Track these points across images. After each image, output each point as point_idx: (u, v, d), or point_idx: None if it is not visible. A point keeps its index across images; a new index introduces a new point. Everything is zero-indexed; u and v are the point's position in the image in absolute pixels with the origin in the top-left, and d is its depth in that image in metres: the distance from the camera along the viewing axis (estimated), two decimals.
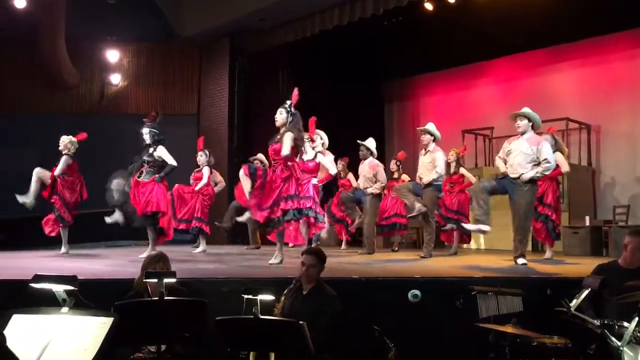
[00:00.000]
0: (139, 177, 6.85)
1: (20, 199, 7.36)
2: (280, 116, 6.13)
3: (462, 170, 8.42)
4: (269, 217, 5.93)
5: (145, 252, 6.66)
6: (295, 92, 6.26)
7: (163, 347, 3.20)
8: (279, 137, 6.08)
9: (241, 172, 6.09)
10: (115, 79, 12.39)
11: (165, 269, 3.65)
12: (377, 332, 3.84)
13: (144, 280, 3.46)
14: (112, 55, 12.09)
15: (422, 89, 13.55)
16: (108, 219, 7.04)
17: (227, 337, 3.17)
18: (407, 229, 9.40)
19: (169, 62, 12.61)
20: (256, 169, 6.14)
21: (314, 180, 7.20)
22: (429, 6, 9.79)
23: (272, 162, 6.19)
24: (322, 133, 8.37)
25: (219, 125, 12.04)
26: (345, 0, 9.85)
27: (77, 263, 6.42)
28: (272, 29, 11.22)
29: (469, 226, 6.70)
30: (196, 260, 7.01)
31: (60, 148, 7.66)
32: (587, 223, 8.82)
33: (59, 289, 2.49)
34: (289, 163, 6.02)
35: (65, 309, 2.37)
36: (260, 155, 9.15)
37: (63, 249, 7.63)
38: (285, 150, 5.92)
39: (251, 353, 3.47)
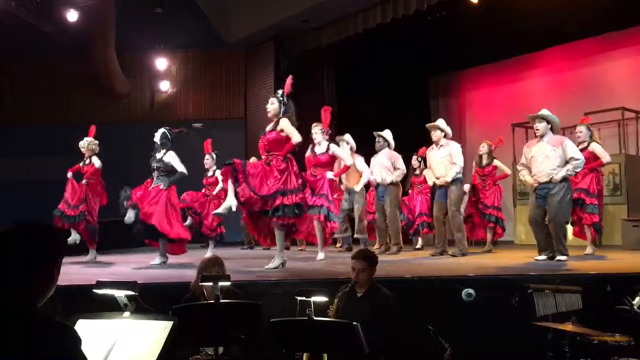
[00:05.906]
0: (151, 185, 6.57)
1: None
2: (272, 106, 5.70)
3: (496, 162, 8.26)
4: (262, 208, 5.42)
5: (155, 259, 6.56)
6: (289, 80, 5.88)
7: (221, 349, 3.26)
8: (272, 125, 5.65)
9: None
10: (165, 86, 12.69)
11: (220, 273, 3.72)
12: (431, 331, 3.80)
13: (200, 283, 3.54)
14: (161, 63, 12.39)
15: (469, 83, 13.31)
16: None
17: (282, 338, 3.21)
18: (433, 229, 8.33)
19: (216, 67, 12.83)
20: (235, 167, 5.42)
21: (330, 174, 6.93)
22: None
23: (266, 154, 5.63)
24: (348, 137, 8.23)
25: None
26: None
27: (132, 267, 6.54)
28: (315, 30, 11.25)
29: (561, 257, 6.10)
30: (249, 262, 7.10)
31: (87, 154, 7.46)
32: None
33: (120, 294, 2.56)
34: (288, 156, 5.53)
35: (127, 314, 2.44)
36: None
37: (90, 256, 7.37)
38: (296, 136, 5.46)
39: (305, 354, 3.50)
